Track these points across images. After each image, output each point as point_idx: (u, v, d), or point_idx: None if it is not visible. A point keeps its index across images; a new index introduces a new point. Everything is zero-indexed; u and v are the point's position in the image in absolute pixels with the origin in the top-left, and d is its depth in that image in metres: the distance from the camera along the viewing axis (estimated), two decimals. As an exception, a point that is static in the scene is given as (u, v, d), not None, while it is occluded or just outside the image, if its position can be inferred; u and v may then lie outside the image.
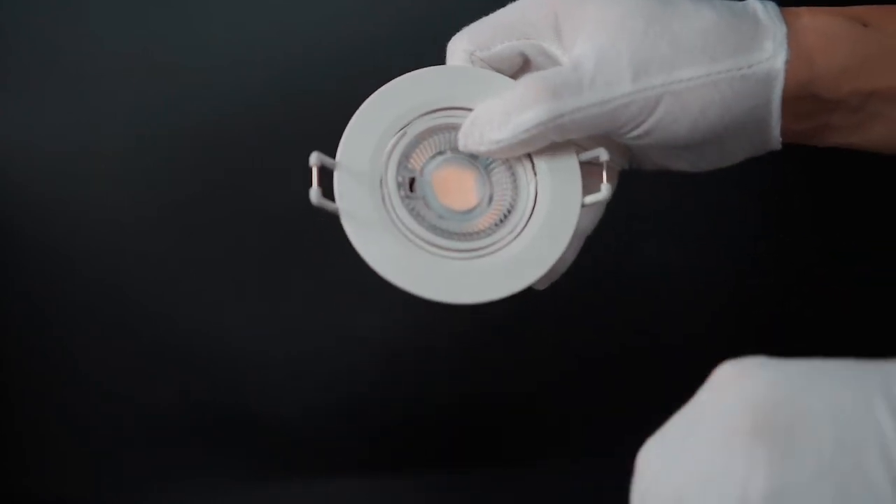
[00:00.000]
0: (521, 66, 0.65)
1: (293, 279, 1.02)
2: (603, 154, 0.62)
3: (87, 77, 0.97)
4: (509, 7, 0.64)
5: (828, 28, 0.61)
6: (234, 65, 0.96)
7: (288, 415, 1.04)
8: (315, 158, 0.60)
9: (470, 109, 0.63)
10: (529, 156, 0.63)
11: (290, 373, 1.03)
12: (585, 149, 0.64)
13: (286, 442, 1.04)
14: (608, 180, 0.62)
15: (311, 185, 0.59)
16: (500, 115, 0.61)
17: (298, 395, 1.04)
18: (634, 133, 0.61)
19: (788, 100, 0.61)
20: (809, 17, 0.62)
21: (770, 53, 0.60)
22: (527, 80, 0.61)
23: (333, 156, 0.61)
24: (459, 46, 0.64)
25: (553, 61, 0.63)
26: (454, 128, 0.63)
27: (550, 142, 0.62)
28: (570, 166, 0.63)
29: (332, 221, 0.61)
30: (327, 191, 0.60)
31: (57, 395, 1.03)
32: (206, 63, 0.97)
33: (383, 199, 0.61)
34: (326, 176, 0.60)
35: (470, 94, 0.63)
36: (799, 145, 0.65)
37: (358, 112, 0.63)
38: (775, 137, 0.62)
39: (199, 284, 1.01)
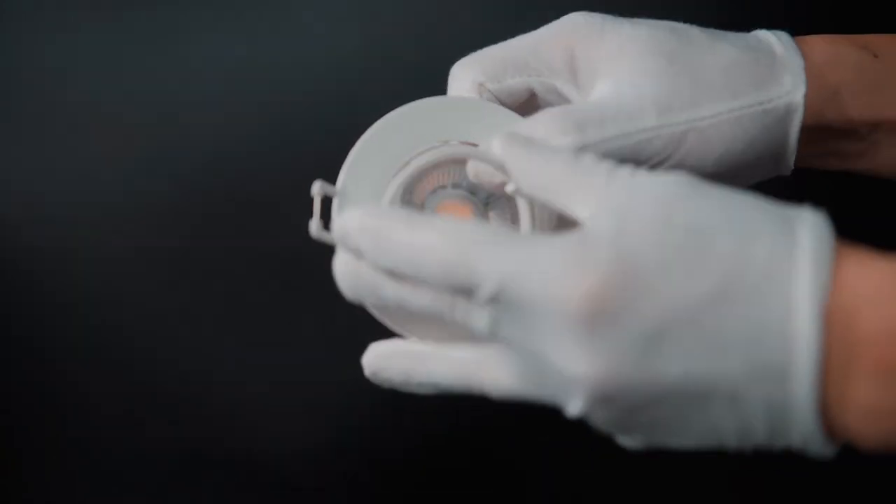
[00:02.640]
0: (525, 100, 0.64)
1: (288, 325, 1.02)
2: None
3: (85, 128, 0.97)
4: (522, 40, 0.62)
5: (840, 58, 0.61)
6: (234, 114, 0.97)
7: (283, 458, 1.04)
8: (318, 188, 0.58)
9: (475, 145, 0.61)
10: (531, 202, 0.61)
11: (285, 415, 1.03)
12: None
13: (281, 484, 1.04)
14: None
15: (310, 226, 0.57)
16: None
17: (295, 437, 1.04)
18: (661, 168, 0.60)
19: (803, 129, 0.61)
20: (822, 47, 0.61)
21: (790, 87, 0.60)
22: (548, 114, 0.59)
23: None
24: (468, 75, 0.63)
25: (563, 99, 0.62)
26: (458, 161, 0.61)
27: None
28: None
29: (321, 265, 0.60)
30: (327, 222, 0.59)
31: (57, 441, 1.03)
32: (205, 111, 0.97)
33: None
34: (326, 207, 0.59)
35: (478, 128, 0.61)
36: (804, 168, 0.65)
37: (362, 139, 0.61)
38: (788, 166, 0.63)
39: (195, 329, 1.01)
